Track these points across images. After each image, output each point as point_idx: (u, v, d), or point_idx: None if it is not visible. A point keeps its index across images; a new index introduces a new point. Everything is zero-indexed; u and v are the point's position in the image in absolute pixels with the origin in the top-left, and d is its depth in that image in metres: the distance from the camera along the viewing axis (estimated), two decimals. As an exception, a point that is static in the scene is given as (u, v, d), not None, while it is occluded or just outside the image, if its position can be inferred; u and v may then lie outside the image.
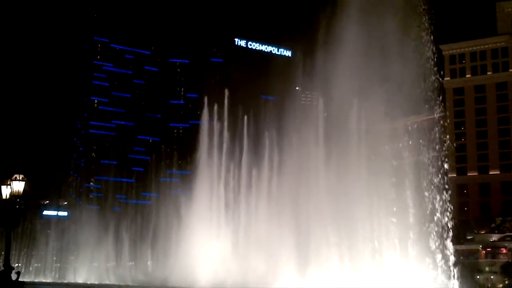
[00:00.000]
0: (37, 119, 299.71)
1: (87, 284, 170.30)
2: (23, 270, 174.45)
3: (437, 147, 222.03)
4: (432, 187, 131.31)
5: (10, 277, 56.65)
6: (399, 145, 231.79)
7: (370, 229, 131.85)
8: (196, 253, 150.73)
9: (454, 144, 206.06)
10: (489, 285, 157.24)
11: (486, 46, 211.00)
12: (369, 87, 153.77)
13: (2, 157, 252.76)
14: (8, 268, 62.84)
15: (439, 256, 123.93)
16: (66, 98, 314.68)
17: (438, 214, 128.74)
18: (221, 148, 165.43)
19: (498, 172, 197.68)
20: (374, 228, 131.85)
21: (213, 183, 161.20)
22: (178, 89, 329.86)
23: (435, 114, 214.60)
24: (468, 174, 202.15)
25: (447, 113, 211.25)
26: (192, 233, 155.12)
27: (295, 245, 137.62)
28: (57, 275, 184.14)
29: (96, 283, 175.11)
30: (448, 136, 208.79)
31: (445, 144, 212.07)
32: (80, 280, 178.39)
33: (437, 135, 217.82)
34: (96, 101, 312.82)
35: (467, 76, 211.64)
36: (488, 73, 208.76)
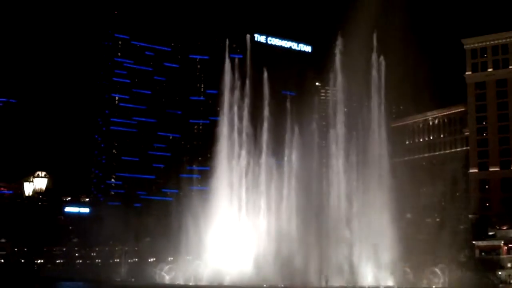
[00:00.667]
0: (59, 116, 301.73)
1: (112, 281, 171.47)
2: (45, 266, 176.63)
3: (458, 142, 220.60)
4: (453, 182, 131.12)
5: (33, 270, 57.67)
6: (419, 140, 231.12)
7: (385, 224, 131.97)
8: (217, 249, 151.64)
9: (476, 139, 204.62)
10: (511, 282, 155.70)
11: (508, 40, 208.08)
12: (389, 82, 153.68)
13: (24, 154, 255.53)
14: (31, 262, 63.80)
15: (462, 253, 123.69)
16: (88, 95, 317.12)
17: (458, 211, 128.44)
18: (241, 144, 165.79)
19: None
20: (389, 224, 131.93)
21: (233, 179, 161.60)
22: (198, 85, 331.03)
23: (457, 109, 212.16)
24: (490, 169, 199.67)
25: (469, 108, 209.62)
26: (212, 229, 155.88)
27: (315, 242, 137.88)
28: (79, 271, 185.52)
29: (118, 279, 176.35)
30: (469, 131, 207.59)
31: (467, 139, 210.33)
32: (104, 277, 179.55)
33: (458, 130, 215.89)
34: (117, 98, 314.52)
35: (489, 70, 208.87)
36: (510, 67, 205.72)
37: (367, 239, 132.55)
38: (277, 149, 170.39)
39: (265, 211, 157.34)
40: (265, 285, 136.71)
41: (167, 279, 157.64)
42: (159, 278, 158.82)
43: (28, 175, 57.68)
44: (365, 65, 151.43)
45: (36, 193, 56.43)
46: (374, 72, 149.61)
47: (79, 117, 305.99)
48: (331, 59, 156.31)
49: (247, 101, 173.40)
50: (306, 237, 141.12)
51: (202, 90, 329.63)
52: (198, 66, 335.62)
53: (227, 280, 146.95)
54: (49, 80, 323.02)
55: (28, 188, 57.02)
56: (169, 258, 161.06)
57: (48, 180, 56.90)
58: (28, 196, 57.00)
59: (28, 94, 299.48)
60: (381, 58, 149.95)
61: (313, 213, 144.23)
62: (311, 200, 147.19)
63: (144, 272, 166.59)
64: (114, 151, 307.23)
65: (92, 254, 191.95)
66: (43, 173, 56.59)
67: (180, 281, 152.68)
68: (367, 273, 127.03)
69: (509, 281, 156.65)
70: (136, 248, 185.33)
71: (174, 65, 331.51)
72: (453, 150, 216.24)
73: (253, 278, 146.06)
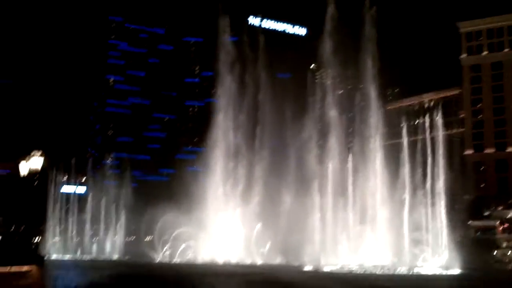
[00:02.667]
0: (55, 97, 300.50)
1: (109, 260, 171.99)
2: (43, 245, 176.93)
3: (454, 124, 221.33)
4: (449, 164, 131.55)
5: (30, 248, 57.46)
6: (414, 123, 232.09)
7: (382, 206, 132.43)
8: (213, 231, 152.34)
9: (471, 122, 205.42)
10: (507, 261, 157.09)
11: (503, 23, 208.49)
12: (385, 64, 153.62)
13: (21, 135, 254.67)
14: (28, 240, 63.66)
15: (457, 233, 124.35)
16: (83, 77, 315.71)
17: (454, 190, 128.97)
18: (237, 127, 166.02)
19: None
20: (384, 205, 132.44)
21: (228, 160, 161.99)
22: (192, 67, 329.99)
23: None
24: (485, 151, 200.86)
25: (464, 90, 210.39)
26: (208, 209, 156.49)
27: (309, 221, 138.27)
28: (76, 251, 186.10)
29: (115, 259, 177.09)
30: (465, 113, 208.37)
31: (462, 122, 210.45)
32: (101, 256, 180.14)
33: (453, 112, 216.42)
34: (111, 80, 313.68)
35: (484, 53, 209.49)
36: (505, 50, 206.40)
37: (362, 221, 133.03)
38: (273, 131, 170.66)
39: (259, 193, 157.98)
40: (253, 264, 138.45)
41: (163, 258, 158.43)
42: (155, 257, 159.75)
43: (24, 154, 57.17)
44: (360, 46, 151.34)
45: (32, 172, 55.95)
46: (368, 53, 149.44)
47: (75, 99, 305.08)
48: (325, 41, 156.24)
49: (242, 84, 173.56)
50: (299, 219, 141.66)
51: (196, 72, 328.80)
52: (193, 48, 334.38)
53: (220, 260, 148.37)
54: (45, 61, 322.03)
55: (24, 168, 56.53)
56: (165, 238, 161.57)
57: (44, 160, 56.44)
58: (24, 176, 56.50)
59: (23, 75, 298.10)
60: (374, 38, 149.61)
61: (306, 195, 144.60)
62: (305, 182, 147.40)
63: (141, 250, 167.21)
64: (109, 132, 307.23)
65: (90, 232, 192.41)
66: (39, 153, 56.10)
67: (177, 260, 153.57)
68: (364, 254, 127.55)
69: (505, 261, 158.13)
70: (133, 227, 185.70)
71: (168, 48, 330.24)
72: (448, 132, 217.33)
73: (247, 258, 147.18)
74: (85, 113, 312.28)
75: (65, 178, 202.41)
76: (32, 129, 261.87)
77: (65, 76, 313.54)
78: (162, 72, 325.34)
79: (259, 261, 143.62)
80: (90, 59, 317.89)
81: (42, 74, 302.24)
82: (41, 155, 56.60)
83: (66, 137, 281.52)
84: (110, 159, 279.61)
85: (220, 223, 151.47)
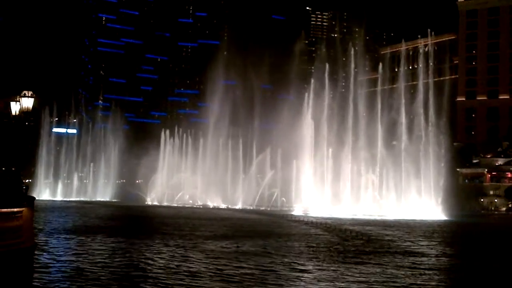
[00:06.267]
0: (46, 36, 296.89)
1: (101, 201, 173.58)
2: (34, 186, 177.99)
3: (447, 70, 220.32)
4: (439, 110, 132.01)
5: (21, 190, 57.46)
6: (409, 67, 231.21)
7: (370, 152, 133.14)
8: (206, 177, 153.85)
9: (465, 68, 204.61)
10: (493, 208, 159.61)
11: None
12: (380, 7, 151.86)
13: (11, 74, 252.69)
14: (19, 181, 63.82)
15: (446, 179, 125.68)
16: (74, 15, 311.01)
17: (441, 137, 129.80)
18: (232, 67, 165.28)
19: (507, 97, 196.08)
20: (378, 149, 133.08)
21: (223, 102, 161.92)
22: (186, 7, 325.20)
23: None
24: (477, 98, 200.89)
25: (460, 36, 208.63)
26: (201, 152, 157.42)
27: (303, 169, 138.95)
28: (67, 193, 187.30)
29: (113, 200, 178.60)
30: (459, 60, 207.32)
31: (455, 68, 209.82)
32: (92, 198, 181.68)
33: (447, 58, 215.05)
34: (104, 18, 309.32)
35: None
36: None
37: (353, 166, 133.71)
38: (268, 72, 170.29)
39: (256, 133, 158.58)
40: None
41: (150, 200, 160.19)
42: (144, 199, 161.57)
43: (15, 94, 56.89)
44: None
45: (22, 112, 55.39)
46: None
47: (65, 37, 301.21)
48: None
49: (237, 24, 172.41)
50: (293, 165, 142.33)
51: (190, 12, 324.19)
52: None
53: (198, 202, 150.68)
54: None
55: (15, 108, 55.95)
56: (153, 179, 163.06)
57: (34, 100, 55.85)
58: (15, 116, 55.98)
59: (14, 12, 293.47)
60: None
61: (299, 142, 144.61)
62: (295, 124, 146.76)
63: (131, 193, 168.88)
64: (101, 72, 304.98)
65: (80, 174, 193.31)
66: (30, 93, 55.49)
67: (165, 203, 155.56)
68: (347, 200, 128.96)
69: (491, 208, 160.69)
70: (123, 170, 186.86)
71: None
72: (441, 79, 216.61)
73: (238, 203, 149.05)
74: (76, 52, 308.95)
75: (56, 119, 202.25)
76: (22, 68, 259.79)
77: (56, 14, 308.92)
78: (155, 11, 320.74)
79: (249, 206, 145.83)
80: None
81: (32, 12, 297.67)
82: (31, 95, 56.18)
83: (57, 77, 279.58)
84: (101, 100, 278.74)
85: (217, 169, 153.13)
